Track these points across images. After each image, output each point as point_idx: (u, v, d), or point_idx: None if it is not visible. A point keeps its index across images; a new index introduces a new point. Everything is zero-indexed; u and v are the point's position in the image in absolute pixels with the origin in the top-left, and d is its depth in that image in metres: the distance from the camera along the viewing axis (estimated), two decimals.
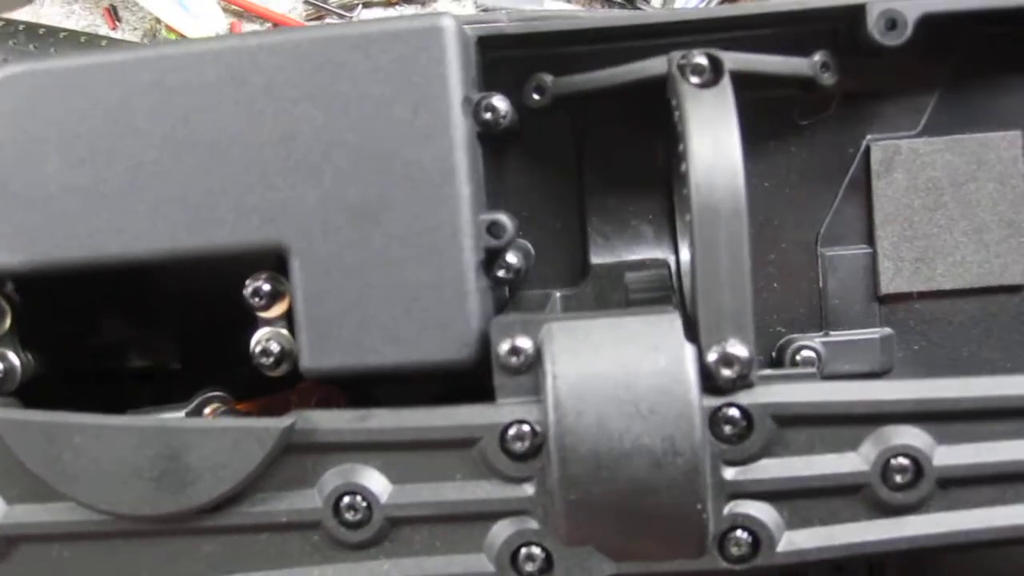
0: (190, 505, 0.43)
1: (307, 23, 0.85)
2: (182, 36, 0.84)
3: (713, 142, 0.41)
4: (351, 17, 0.86)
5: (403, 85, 0.43)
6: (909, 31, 0.48)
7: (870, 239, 0.54)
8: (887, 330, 0.54)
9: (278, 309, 0.47)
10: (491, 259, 0.46)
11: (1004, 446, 0.41)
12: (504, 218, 0.46)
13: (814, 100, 0.53)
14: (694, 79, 0.44)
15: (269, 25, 0.85)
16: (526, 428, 0.41)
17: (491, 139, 0.47)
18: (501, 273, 0.47)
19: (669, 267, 0.53)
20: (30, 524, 0.44)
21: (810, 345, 0.53)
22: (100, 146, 0.45)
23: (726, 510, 0.41)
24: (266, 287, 0.46)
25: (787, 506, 0.42)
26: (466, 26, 0.47)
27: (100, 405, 0.47)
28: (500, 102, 0.46)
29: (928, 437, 0.41)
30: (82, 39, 0.81)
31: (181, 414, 0.50)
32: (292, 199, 0.44)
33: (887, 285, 0.53)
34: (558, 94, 0.51)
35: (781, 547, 0.41)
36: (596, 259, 0.54)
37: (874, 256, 0.54)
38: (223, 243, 0.45)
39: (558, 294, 0.54)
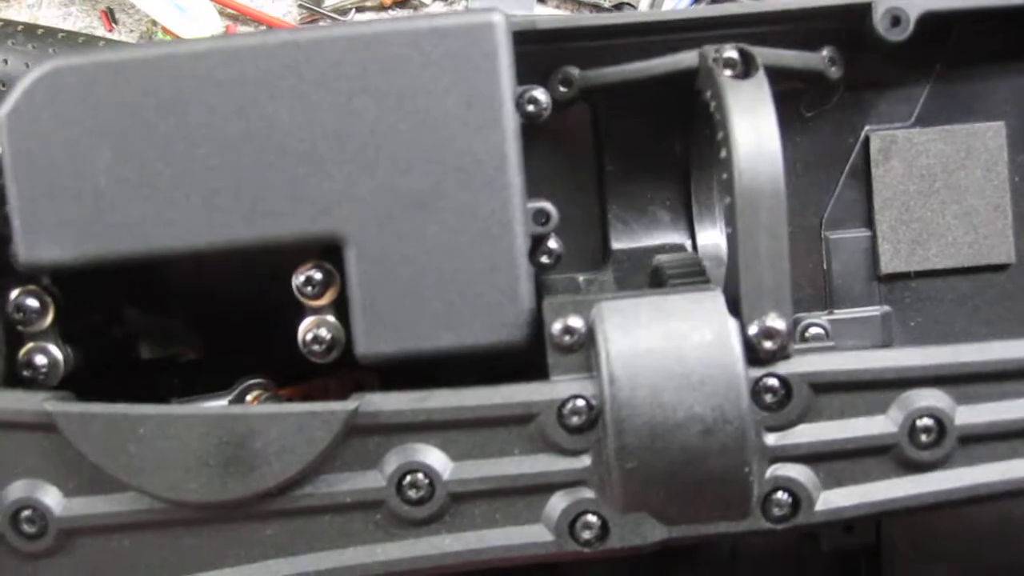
0: (256, 490, 0.44)
1: (302, 27, 0.87)
2: (178, 39, 0.84)
3: (754, 129, 0.44)
4: (344, 21, 0.87)
5: (456, 79, 0.45)
6: (911, 28, 0.52)
7: (870, 223, 0.57)
8: (886, 307, 0.58)
9: (327, 297, 0.48)
10: (534, 245, 0.48)
11: (1017, 404, 0.45)
12: (549, 206, 0.48)
13: (818, 93, 0.57)
14: (727, 72, 0.47)
15: (264, 28, 0.86)
16: (581, 403, 0.44)
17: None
18: (544, 259, 0.49)
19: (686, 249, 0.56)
20: (90, 516, 0.45)
21: (817, 323, 0.57)
22: (152, 140, 0.46)
23: (768, 473, 0.44)
24: (318, 276, 0.47)
25: (823, 467, 0.45)
26: None
27: (128, 396, 0.48)
28: (541, 95, 0.48)
29: (949, 398, 0.45)
30: (80, 39, 0.80)
31: (224, 402, 0.51)
32: (348, 190, 0.46)
33: (886, 265, 0.57)
34: (584, 87, 0.53)
35: (819, 506, 0.44)
36: (616, 244, 0.57)
37: (874, 239, 0.57)
38: (279, 234, 0.46)
39: (581, 278, 0.57)
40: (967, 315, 0.58)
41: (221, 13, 0.86)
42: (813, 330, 0.57)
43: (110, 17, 0.87)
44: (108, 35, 0.86)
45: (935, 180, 0.57)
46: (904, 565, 0.55)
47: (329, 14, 0.86)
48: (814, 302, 0.58)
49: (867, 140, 0.57)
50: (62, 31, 0.82)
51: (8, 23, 0.82)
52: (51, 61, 0.46)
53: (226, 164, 0.46)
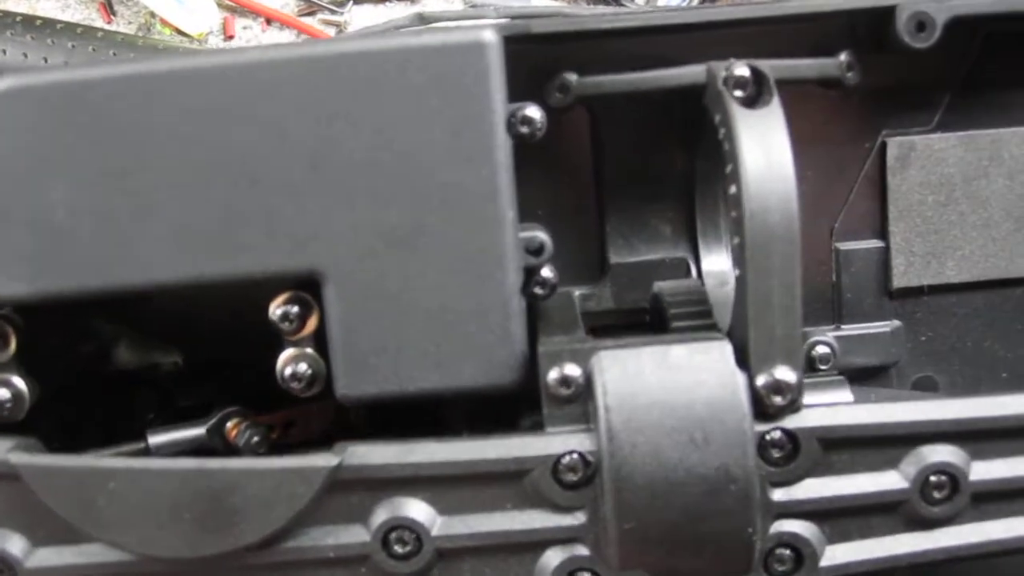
0: (233, 546, 0.41)
1: (299, 18, 0.82)
2: (177, 30, 0.80)
3: (768, 168, 0.40)
4: (341, 12, 0.83)
5: (443, 103, 0.41)
6: (938, 33, 0.48)
7: (883, 234, 0.54)
8: (897, 322, 0.55)
9: (306, 330, 0.45)
10: (527, 276, 0.45)
11: None
12: (543, 236, 0.45)
13: (833, 96, 0.53)
14: (737, 92, 0.43)
15: (262, 20, 0.82)
16: (577, 458, 0.41)
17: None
18: (537, 290, 0.46)
19: (690, 270, 0.53)
20: (59, 567, 0.43)
21: (825, 340, 0.54)
22: (113, 168, 0.42)
23: (771, 529, 0.42)
24: (295, 309, 0.44)
25: (829, 523, 0.43)
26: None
27: (100, 414, 0.45)
28: (535, 112, 0.44)
29: (964, 454, 0.42)
30: (78, 31, 0.76)
31: (202, 430, 0.49)
32: (326, 223, 0.42)
33: (899, 279, 0.54)
34: (583, 94, 0.49)
35: (823, 562, 0.43)
36: (615, 258, 0.54)
37: (887, 251, 0.54)
38: (251, 270, 0.43)
39: (577, 292, 0.54)
40: (980, 330, 0.56)
41: (219, 4, 0.82)
42: (820, 349, 0.54)
43: (108, 9, 0.83)
44: (107, 27, 0.82)
45: (954, 189, 0.54)
46: None
47: (326, 5, 0.81)
48: (821, 316, 0.55)
49: (883, 146, 0.53)
50: (60, 22, 0.79)
51: (7, 14, 0.79)
52: (3, 80, 0.41)
53: (194, 194, 0.42)
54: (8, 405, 0.45)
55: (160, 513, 0.41)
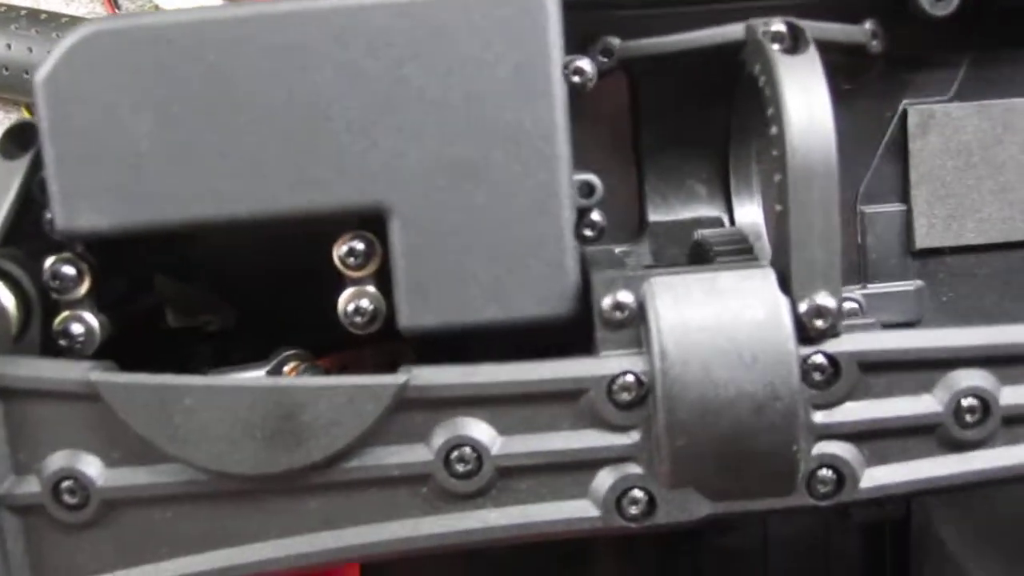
0: (303, 463, 0.43)
1: None
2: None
3: (807, 106, 0.43)
4: None
5: (506, 47, 0.44)
6: (956, 1, 0.51)
7: (906, 197, 0.57)
8: (919, 282, 0.58)
9: (369, 268, 0.47)
10: (578, 218, 0.48)
11: None
12: (594, 178, 0.48)
13: (857, 65, 0.56)
14: (775, 46, 0.46)
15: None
16: (631, 379, 0.44)
17: None
18: (587, 231, 0.49)
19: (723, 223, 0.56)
20: (132, 486, 0.44)
21: (852, 296, 0.57)
22: (194, 106, 0.44)
23: (814, 451, 0.44)
24: (360, 246, 0.47)
25: (868, 445, 0.45)
26: None
27: (159, 366, 0.47)
28: (586, 64, 0.47)
29: (994, 379, 0.45)
30: None
31: (261, 372, 0.51)
32: (394, 160, 0.45)
33: (921, 240, 0.57)
34: (625, 57, 0.52)
35: (863, 483, 0.45)
36: (653, 216, 0.57)
37: (909, 213, 0.57)
38: (323, 205, 0.45)
39: (617, 250, 0.56)
40: (999, 290, 0.59)
41: None
42: (848, 304, 0.57)
43: (112, 2, 0.86)
44: None
45: (972, 155, 0.57)
46: (941, 549, 0.55)
47: None
48: (847, 276, 0.58)
49: (905, 114, 0.57)
50: (65, 16, 0.81)
51: (11, 8, 0.81)
52: (90, 24, 0.44)
53: (269, 132, 0.45)
54: (80, 339, 0.47)
55: (233, 429, 0.43)
